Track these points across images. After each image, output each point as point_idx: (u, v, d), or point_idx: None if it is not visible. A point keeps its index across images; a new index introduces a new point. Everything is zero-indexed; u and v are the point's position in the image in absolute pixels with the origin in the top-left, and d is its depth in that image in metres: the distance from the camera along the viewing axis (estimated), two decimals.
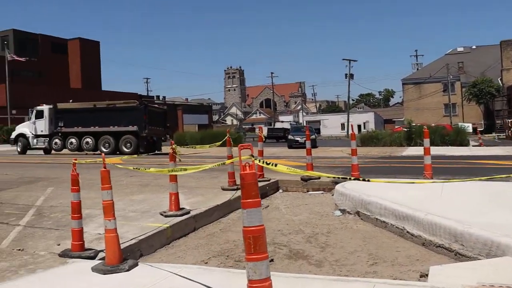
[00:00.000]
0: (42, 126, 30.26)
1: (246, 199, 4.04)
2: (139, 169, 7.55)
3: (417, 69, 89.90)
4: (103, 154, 6.41)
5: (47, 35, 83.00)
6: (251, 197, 4.03)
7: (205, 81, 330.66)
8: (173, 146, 8.47)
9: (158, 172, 7.01)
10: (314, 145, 27.44)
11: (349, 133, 14.55)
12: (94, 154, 28.09)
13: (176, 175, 8.52)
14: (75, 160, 6.36)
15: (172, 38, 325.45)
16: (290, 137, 34.51)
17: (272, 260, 6.34)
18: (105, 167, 5.69)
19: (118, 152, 27.37)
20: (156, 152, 28.02)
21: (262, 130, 15.77)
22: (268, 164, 4.91)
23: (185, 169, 7.05)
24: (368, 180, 4.99)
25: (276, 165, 4.89)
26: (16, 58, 51.64)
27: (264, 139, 12.20)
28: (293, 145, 32.35)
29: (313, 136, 29.80)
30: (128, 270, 5.53)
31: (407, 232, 7.31)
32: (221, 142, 12.50)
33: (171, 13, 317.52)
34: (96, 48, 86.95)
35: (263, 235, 4.05)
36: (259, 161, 4.90)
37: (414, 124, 35.06)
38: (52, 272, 5.76)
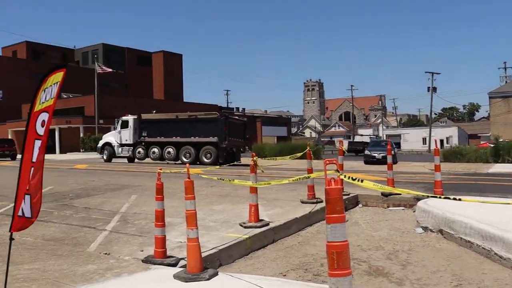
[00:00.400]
0: (127, 135, 31.56)
1: (331, 214, 3.98)
2: (223, 179, 7.66)
3: (506, 82, 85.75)
4: (187, 164, 6.59)
5: (133, 48, 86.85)
6: (336, 212, 3.97)
7: (284, 94, 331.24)
8: (254, 158, 8.51)
9: (241, 184, 7.06)
10: (394, 161, 26.71)
11: (432, 148, 14.04)
12: (175, 163, 28.88)
13: (256, 187, 8.57)
14: (160, 169, 6.53)
15: (252, 51, 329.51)
16: (367, 152, 32.74)
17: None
18: (189, 178, 5.82)
19: (198, 162, 27.99)
20: (235, 163, 28.38)
21: (343, 143, 15.56)
22: (354, 179, 4.83)
23: (269, 183, 7.08)
24: (459, 199, 4.77)
25: (362, 180, 4.80)
26: (105, 70, 54.13)
27: (344, 153, 12.04)
28: (369, 160, 30.84)
29: (393, 152, 28.83)
30: (208, 279, 5.60)
31: (495, 253, 6.93)
32: (301, 154, 12.44)
33: (248, 25, 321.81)
34: (178, 60, 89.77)
35: (347, 250, 3.97)
36: (345, 176, 4.83)
37: (501, 140, 33.34)
38: (136, 277, 5.94)
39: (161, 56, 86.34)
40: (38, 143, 5.00)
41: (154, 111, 33.74)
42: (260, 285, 5.37)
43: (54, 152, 54.57)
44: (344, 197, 11.73)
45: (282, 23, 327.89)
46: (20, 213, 4.97)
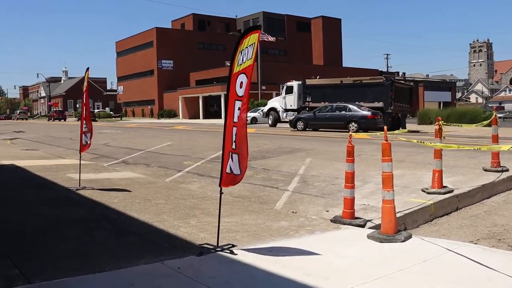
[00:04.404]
0: (292, 101, 32.29)
1: None
2: (423, 142, 7.56)
3: None
4: (385, 127, 6.59)
5: (293, 15, 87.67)
6: None
7: (447, 56, 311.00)
8: (440, 122, 8.26)
9: (445, 147, 6.87)
10: None
11: None
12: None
13: (441, 152, 8.33)
14: (352, 132, 6.62)
15: (412, 12, 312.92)
16: None
17: None
18: (386, 140, 5.85)
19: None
20: (400, 129, 27.62)
21: (496, 110, 14.32)
22: None
23: (479, 148, 6.80)
24: None
25: None
26: (268, 39, 55.38)
27: (497, 122, 11.14)
28: None
29: None
30: (403, 241, 5.65)
31: None
32: (488, 122, 11.71)
33: None
34: (337, 25, 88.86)
35: None
36: None
37: None
38: (328, 234, 6.19)
39: (320, 21, 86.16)
40: (238, 104, 5.27)
41: (318, 77, 33.91)
42: (457, 251, 5.28)
43: (220, 117, 57.68)
44: None
45: None
46: (228, 170, 5.37)
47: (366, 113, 25.41)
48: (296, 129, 27.34)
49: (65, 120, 70.82)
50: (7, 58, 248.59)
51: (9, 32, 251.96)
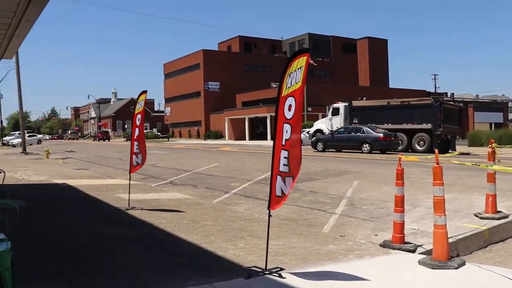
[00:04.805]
0: (338, 122, 32.10)
1: None
2: (478, 165, 7.35)
3: None
4: (436, 150, 6.47)
5: (338, 36, 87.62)
6: None
7: (498, 76, 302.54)
8: (493, 144, 8.04)
9: (503, 170, 6.61)
10: None
11: None
12: None
13: (494, 176, 8.09)
14: (401, 155, 6.54)
15: (461, 28, 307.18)
16: None
17: None
18: (437, 163, 5.73)
19: (410, 150, 27.29)
20: (450, 151, 27.02)
21: None
22: None
23: None
24: None
25: None
26: (310, 62, 55.49)
27: None
28: None
29: None
30: (457, 268, 5.48)
31: None
32: None
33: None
34: (383, 46, 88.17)
35: None
36: None
37: None
38: (378, 259, 6.06)
39: (365, 42, 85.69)
40: (287, 127, 5.28)
41: (364, 98, 33.67)
42: None
43: (265, 138, 57.83)
44: None
45: None
46: (278, 193, 5.35)
47: (379, 135, 26.02)
48: (316, 150, 28.32)
49: (108, 140, 76.94)
50: (61, 79, 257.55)
51: (65, 56, 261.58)
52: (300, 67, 5.19)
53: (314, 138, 30.59)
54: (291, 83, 5.26)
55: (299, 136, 5.30)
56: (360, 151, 26.01)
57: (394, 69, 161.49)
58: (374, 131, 26.27)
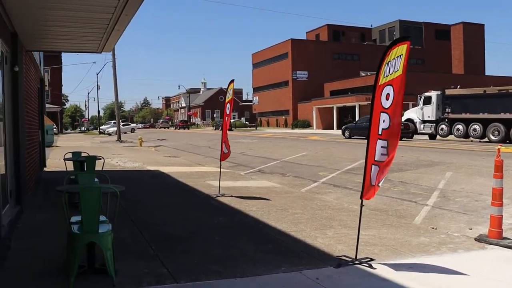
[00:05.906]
0: (429, 112, 30.97)
1: None
2: None
3: None
4: None
5: (431, 22, 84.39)
6: None
7: None
8: None
9: None
10: None
11: None
12: (480, 141, 27.29)
13: None
14: (501, 146, 6.25)
15: None
16: None
17: None
18: None
19: (508, 141, 25.86)
20: None
21: None
22: None
23: None
24: None
25: None
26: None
27: None
28: None
29: None
30: None
31: None
32: None
33: None
34: (480, 31, 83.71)
35: None
36: None
37: None
38: (473, 254, 5.85)
39: (460, 28, 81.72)
40: (384, 116, 5.18)
41: (458, 86, 32.27)
42: None
43: None
44: None
45: None
46: (373, 183, 5.29)
47: None
48: (344, 137, 32.76)
49: (188, 129, 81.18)
50: (153, 70, 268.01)
51: (161, 47, 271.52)
52: (400, 55, 5.08)
53: (343, 127, 35.19)
54: (389, 72, 5.16)
55: (397, 125, 5.20)
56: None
57: (491, 55, 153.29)
58: None
